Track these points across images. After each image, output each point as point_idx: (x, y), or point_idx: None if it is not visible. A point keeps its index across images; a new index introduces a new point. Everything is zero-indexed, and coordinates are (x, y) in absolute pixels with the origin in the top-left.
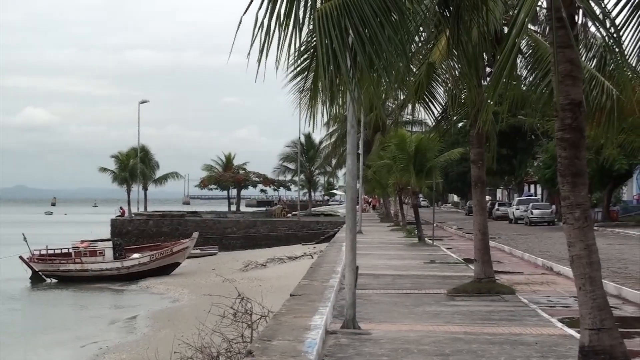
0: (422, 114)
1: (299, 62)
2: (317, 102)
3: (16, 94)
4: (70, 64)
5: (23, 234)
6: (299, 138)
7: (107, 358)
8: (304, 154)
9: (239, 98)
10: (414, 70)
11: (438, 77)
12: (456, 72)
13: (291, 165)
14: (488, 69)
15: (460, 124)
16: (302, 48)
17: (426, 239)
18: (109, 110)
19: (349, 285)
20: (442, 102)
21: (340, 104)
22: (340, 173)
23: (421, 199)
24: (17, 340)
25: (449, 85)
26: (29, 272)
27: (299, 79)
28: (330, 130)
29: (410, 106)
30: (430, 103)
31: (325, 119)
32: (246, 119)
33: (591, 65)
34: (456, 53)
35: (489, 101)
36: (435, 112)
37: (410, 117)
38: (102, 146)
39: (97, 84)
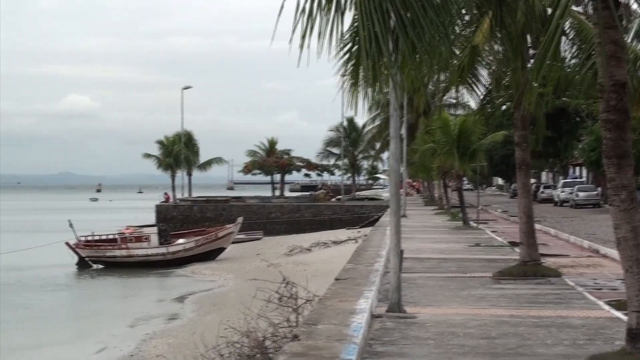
0: (466, 97)
1: (341, 46)
2: (359, 86)
3: (59, 81)
4: (111, 51)
5: (69, 221)
6: (342, 122)
7: (154, 343)
8: (347, 138)
9: (280, 83)
10: (457, 53)
11: (481, 59)
12: (499, 54)
13: (335, 150)
14: (532, 51)
15: (504, 107)
16: (344, 32)
17: (471, 222)
18: (150, 96)
19: (394, 269)
20: (486, 84)
21: (382, 87)
22: (384, 157)
23: (465, 182)
24: (64, 326)
25: (493, 67)
26: (75, 258)
27: (341, 63)
28: (374, 114)
29: (453, 89)
30: (474, 85)
31: (368, 102)
32: (287, 104)
33: (636, 45)
34: (499, 35)
35: (533, 83)
36: (479, 94)
37: (454, 100)
38: (144, 132)
39: (138, 70)
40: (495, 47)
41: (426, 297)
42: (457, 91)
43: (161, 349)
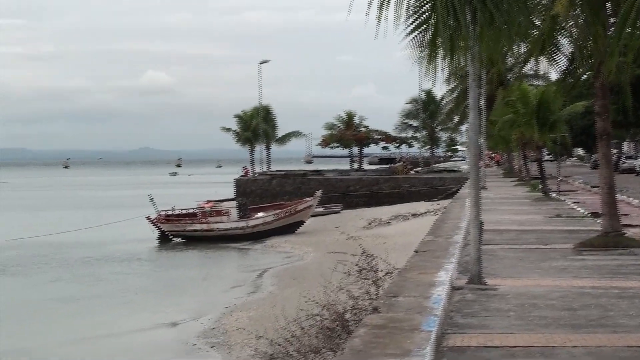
0: (545, 67)
1: (418, 17)
2: (437, 57)
3: (137, 58)
4: (188, 27)
5: (149, 195)
6: (420, 94)
7: (235, 316)
8: (425, 111)
9: (355, 56)
10: (536, 23)
11: (562, 29)
12: (580, 20)
13: (413, 122)
14: (612, 19)
15: (584, 76)
16: (422, 3)
17: (551, 193)
18: (227, 71)
19: (473, 241)
20: (566, 54)
21: (460, 59)
22: (463, 129)
23: (545, 153)
24: (146, 300)
25: (574, 36)
26: (156, 233)
27: (418, 34)
28: (451, 85)
29: (533, 60)
30: (554, 55)
31: (445, 74)
32: (363, 76)
33: None
34: (579, 3)
35: (612, 51)
36: (561, 65)
37: (532, 71)
38: (223, 107)
39: (215, 45)
40: (577, 14)
41: (506, 268)
42: (537, 62)
43: (242, 322)
